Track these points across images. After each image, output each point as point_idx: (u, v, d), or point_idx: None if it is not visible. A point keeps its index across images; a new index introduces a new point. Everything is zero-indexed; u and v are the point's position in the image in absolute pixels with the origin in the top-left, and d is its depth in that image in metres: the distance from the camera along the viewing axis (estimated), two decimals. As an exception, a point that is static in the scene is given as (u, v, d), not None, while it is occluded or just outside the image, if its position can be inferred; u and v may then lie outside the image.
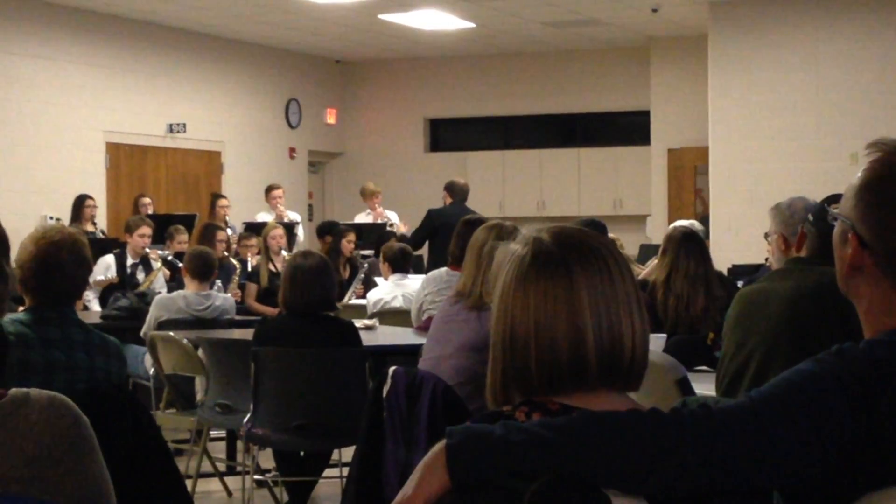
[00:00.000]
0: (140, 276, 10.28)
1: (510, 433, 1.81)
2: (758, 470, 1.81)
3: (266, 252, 11.16)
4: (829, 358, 1.92)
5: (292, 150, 18.52)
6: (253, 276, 11.04)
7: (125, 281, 10.18)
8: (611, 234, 7.71)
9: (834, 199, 3.49)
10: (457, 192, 12.35)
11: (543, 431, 1.81)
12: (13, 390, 1.78)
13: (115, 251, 10.67)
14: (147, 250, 10.38)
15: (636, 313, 2.01)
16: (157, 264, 10.22)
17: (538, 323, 1.96)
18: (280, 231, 11.36)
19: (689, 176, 17.23)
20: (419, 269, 11.19)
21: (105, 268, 10.43)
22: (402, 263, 9.30)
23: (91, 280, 10.12)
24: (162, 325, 7.77)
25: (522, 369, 1.97)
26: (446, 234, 10.84)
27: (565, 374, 1.96)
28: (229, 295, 9.20)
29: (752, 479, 1.82)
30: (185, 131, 16.23)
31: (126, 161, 15.61)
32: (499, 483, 1.80)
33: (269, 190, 14.51)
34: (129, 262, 10.44)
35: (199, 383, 7.30)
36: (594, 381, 1.96)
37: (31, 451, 1.73)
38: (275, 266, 10.84)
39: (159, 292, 9.24)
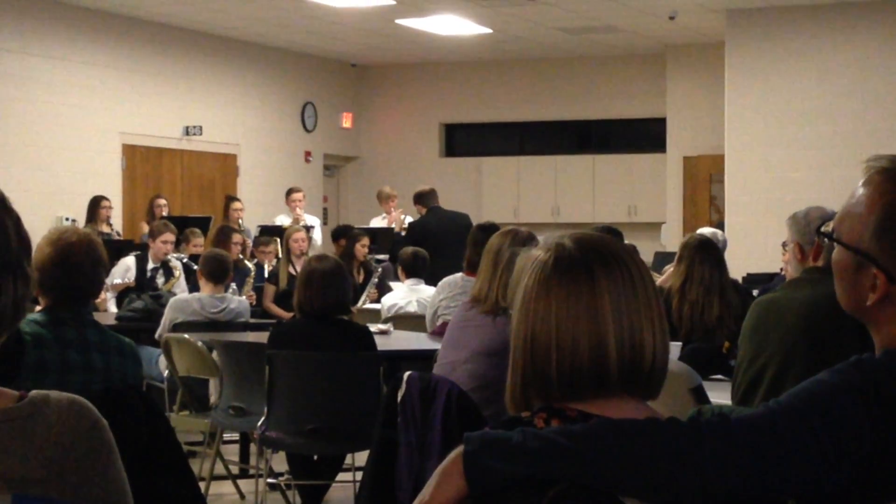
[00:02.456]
0: (160, 280, 10.30)
1: (528, 440, 1.81)
2: (775, 480, 1.81)
3: (287, 254, 11.17)
4: (847, 369, 1.92)
5: (308, 153, 18.54)
6: (272, 277, 11.05)
7: (144, 285, 10.20)
8: (625, 242, 7.70)
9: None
10: (426, 200, 12.44)
11: (561, 439, 1.81)
12: (33, 392, 1.78)
13: (136, 254, 10.69)
14: (169, 257, 10.40)
15: (657, 321, 2.00)
16: (177, 272, 10.24)
17: (559, 327, 1.96)
18: (302, 234, 11.37)
19: (704, 184, 17.20)
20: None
21: (125, 269, 10.44)
22: (417, 268, 9.31)
23: (108, 283, 10.14)
24: (177, 327, 7.78)
25: (543, 374, 1.97)
26: (431, 244, 10.88)
27: (586, 380, 1.96)
28: (244, 298, 9.21)
29: (769, 490, 1.82)
30: (201, 134, 16.26)
31: (142, 163, 15.64)
32: (516, 490, 1.80)
33: (289, 192, 14.50)
34: (150, 266, 10.46)
35: (213, 386, 7.31)
36: (614, 388, 1.96)
37: (50, 452, 1.74)
38: (295, 269, 10.84)
39: (175, 293, 9.26)
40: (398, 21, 15.51)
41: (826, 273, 4.10)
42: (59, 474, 1.73)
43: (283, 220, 14.07)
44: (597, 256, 2.01)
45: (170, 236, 10.53)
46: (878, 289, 2.01)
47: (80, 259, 4.09)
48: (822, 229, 2.17)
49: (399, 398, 4.55)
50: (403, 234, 13.52)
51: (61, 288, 4.08)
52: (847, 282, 2.07)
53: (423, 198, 12.51)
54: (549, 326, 1.97)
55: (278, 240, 11.83)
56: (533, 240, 5.22)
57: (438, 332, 7.01)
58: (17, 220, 1.83)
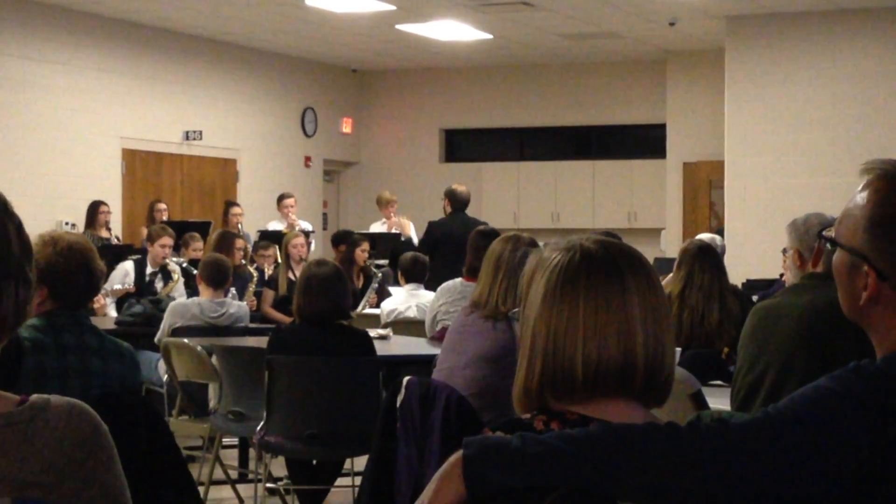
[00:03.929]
0: (158, 284, 10.31)
1: (527, 445, 1.81)
2: (774, 486, 1.81)
3: (286, 260, 11.17)
4: (846, 375, 1.92)
5: (308, 158, 18.55)
6: (271, 283, 11.05)
7: (143, 289, 10.20)
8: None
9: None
10: (457, 200, 12.26)
11: (560, 444, 1.81)
12: (34, 396, 1.78)
13: (135, 258, 10.69)
14: (167, 260, 10.41)
15: (671, 327, 2.02)
16: (175, 275, 10.24)
17: (587, 324, 1.96)
18: (301, 240, 11.38)
19: (704, 190, 17.21)
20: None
21: (123, 274, 10.45)
22: (417, 273, 9.30)
23: (108, 288, 10.14)
24: (176, 332, 7.78)
25: (567, 371, 1.97)
26: (446, 246, 10.83)
27: (612, 379, 1.96)
28: (244, 302, 9.21)
29: (768, 496, 1.82)
30: (200, 139, 16.26)
31: (142, 168, 15.64)
32: (515, 495, 1.80)
33: (281, 198, 14.52)
34: (149, 270, 10.46)
35: (213, 390, 7.31)
36: (636, 389, 1.97)
37: (50, 457, 1.74)
38: (294, 274, 10.84)
39: (174, 298, 9.26)
40: (398, 26, 15.52)
41: (825, 279, 4.13)
42: (59, 478, 1.74)
43: (275, 225, 14.08)
44: (624, 258, 2.02)
45: (168, 240, 10.53)
46: (869, 287, 2.02)
47: (75, 264, 4.08)
48: (825, 233, 2.17)
49: (398, 403, 4.55)
50: (403, 239, 13.52)
51: (57, 293, 4.07)
52: (844, 283, 2.08)
53: (454, 196, 12.21)
54: (577, 321, 1.97)
55: (277, 246, 11.85)
56: (535, 246, 5.23)
57: (438, 338, 7.01)
58: (18, 225, 1.84)
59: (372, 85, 19.65)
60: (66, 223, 13.70)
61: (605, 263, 2.00)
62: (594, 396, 1.97)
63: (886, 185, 2.03)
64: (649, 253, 14.88)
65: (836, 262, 2.10)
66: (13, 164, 13.68)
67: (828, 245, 2.11)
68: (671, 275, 6.54)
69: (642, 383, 1.97)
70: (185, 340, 7.29)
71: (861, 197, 2.05)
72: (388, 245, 12.93)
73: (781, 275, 9.07)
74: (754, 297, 7.40)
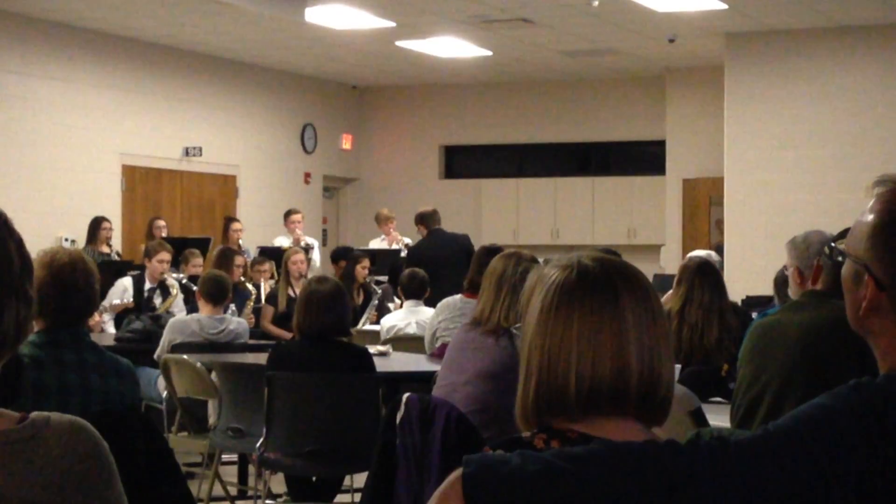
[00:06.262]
0: (157, 300, 10.30)
1: (527, 463, 1.81)
2: (774, 504, 1.81)
3: (286, 276, 11.16)
4: (846, 392, 1.92)
5: (307, 175, 18.55)
6: (270, 299, 11.04)
7: (142, 305, 10.20)
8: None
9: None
10: (427, 221, 12.37)
11: (560, 462, 1.81)
12: (34, 414, 1.78)
13: (133, 274, 10.69)
14: (165, 276, 10.40)
15: (671, 349, 2.02)
16: (174, 290, 10.24)
17: (581, 341, 1.97)
18: (301, 256, 11.38)
19: (703, 206, 17.22)
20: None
21: (122, 290, 10.45)
22: (417, 290, 9.30)
23: (107, 304, 10.14)
24: (175, 348, 7.77)
25: (561, 387, 1.97)
26: (428, 268, 10.88)
27: (605, 396, 1.96)
28: (243, 319, 9.21)
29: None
30: (200, 155, 16.27)
31: (141, 184, 15.65)
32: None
33: (287, 214, 14.53)
34: (147, 286, 10.46)
35: (212, 407, 7.30)
36: (630, 408, 1.96)
37: (51, 474, 1.74)
38: (294, 291, 10.83)
39: (173, 314, 9.26)
40: (398, 43, 15.54)
41: (825, 296, 4.13)
42: (60, 496, 1.74)
43: (282, 241, 14.08)
44: (620, 276, 2.02)
45: (165, 255, 10.53)
46: (868, 296, 2.02)
47: (74, 280, 4.09)
48: (836, 244, 2.18)
49: (398, 420, 4.54)
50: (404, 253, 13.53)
51: (56, 309, 4.07)
52: (849, 292, 2.09)
53: (425, 218, 12.47)
54: (571, 339, 1.97)
55: (273, 262, 11.86)
56: (535, 263, 5.23)
57: (437, 354, 7.00)
58: (19, 242, 1.84)
59: (372, 101, 19.67)
60: (66, 239, 13.69)
61: (601, 281, 2.00)
62: (589, 415, 1.97)
63: (893, 196, 2.04)
64: (649, 269, 14.87)
65: (843, 272, 2.10)
66: (13, 180, 13.68)
67: (839, 257, 2.11)
68: (671, 291, 6.54)
69: (637, 401, 1.97)
70: (185, 357, 7.29)
71: (869, 208, 2.07)
72: (388, 261, 12.94)
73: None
74: (754, 314, 7.40)
